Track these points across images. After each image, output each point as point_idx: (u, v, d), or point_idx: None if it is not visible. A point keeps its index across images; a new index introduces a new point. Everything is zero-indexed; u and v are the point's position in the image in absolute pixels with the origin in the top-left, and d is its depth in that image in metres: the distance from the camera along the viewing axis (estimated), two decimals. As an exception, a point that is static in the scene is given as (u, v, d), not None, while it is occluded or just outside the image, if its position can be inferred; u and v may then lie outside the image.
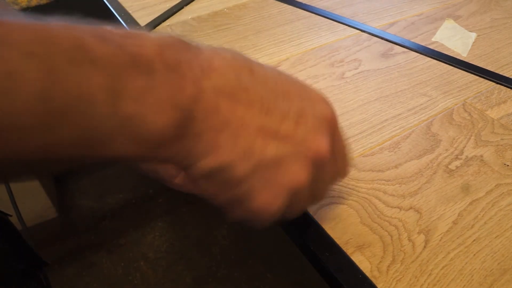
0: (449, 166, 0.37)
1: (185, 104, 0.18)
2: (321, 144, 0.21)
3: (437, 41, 0.56)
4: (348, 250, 0.31)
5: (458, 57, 0.52)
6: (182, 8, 0.63)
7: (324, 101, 0.23)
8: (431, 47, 0.54)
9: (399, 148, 0.39)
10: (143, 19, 0.60)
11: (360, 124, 0.42)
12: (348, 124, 0.42)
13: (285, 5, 0.64)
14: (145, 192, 1.42)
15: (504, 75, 0.49)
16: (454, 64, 0.51)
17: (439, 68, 0.50)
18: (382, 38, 0.56)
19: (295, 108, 0.21)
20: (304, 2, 0.65)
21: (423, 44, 0.55)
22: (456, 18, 0.61)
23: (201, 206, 1.34)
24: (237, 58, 0.21)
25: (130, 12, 0.62)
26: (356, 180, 0.36)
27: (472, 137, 0.40)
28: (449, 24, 0.59)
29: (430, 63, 0.51)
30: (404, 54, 0.53)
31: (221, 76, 0.19)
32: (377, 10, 0.63)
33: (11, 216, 0.46)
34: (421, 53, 0.53)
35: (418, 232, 0.32)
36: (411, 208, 0.34)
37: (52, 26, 0.15)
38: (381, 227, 0.32)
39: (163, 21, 0.60)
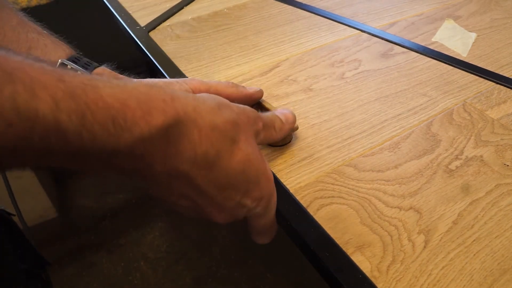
0: (449, 166, 0.37)
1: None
2: (218, 221, 0.30)
3: (437, 41, 0.56)
4: (348, 250, 0.31)
5: (458, 57, 0.52)
6: (182, 8, 0.63)
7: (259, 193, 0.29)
8: (431, 47, 0.54)
9: (399, 148, 0.39)
10: (143, 19, 0.60)
11: (360, 124, 0.42)
12: (348, 124, 0.42)
13: (285, 5, 0.64)
14: (145, 192, 1.42)
15: (504, 75, 0.49)
16: (454, 64, 0.51)
17: (439, 68, 0.50)
18: (382, 38, 0.56)
19: (231, 198, 0.28)
20: (304, 2, 0.65)
21: (423, 44, 0.55)
22: (456, 18, 0.61)
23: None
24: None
25: (130, 12, 0.62)
26: (356, 180, 0.36)
27: (472, 137, 0.40)
28: (449, 24, 0.59)
29: (430, 63, 0.51)
30: (404, 54, 0.53)
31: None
32: (377, 10, 0.63)
33: (14, 215, 0.46)
34: (421, 53, 0.53)
35: (418, 232, 0.32)
36: (411, 208, 0.34)
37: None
38: (381, 227, 0.32)
39: (163, 21, 0.60)
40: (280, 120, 0.35)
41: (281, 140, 0.39)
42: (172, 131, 0.24)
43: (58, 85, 0.19)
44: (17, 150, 0.19)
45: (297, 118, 0.43)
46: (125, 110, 0.21)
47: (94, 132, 0.20)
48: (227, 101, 0.29)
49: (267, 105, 0.43)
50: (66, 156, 0.21)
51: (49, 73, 0.19)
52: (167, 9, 0.62)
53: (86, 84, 0.20)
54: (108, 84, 0.22)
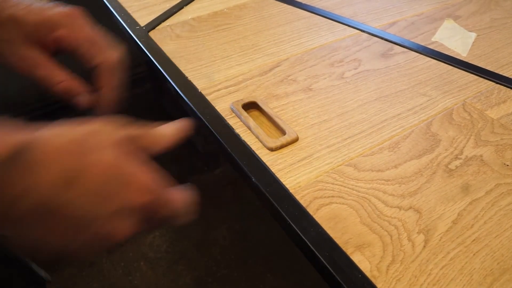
0: (449, 166, 0.37)
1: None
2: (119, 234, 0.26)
3: (437, 41, 0.56)
4: (348, 250, 0.31)
5: (458, 57, 0.52)
6: (182, 8, 0.63)
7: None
8: (431, 47, 0.54)
9: (399, 148, 0.39)
10: (143, 19, 0.60)
11: (359, 124, 0.42)
12: (347, 124, 0.42)
13: (285, 5, 0.64)
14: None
15: (504, 75, 0.49)
16: (454, 64, 0.51)
17: (439, 68, 0.50)
18: (382, 38, 0.56)
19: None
20: (304, 2, 0.65)
21: (423, 44, 0.55)
22: (456, 18, 0.61)
23: (201, 207, 1.34)
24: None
25: (130, 12, 0.62)
26: (356, 180, 0.36)
27: (472, 137, 0.40)
28: (449, 24, 0.59)
29: (430, 63, 0.51)
30: (404, 54, 0.53)
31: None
32: (377, 10, 0.63)
33: None
34: (421, 53, 0.53)
35: (417, 232, 0.32)
36: (410, 208, 0.34)
37: None
38: (381, 227, 0.32)
39: (163, 21, 0.60)
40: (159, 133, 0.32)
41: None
42: (19, 157, 0.24)
43: None
44: None
45: (297, 118, 0.43)
46: None
47: None
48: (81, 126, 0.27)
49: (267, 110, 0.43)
50: None
51: None
52: (167, 9, 0.62)
53: None
54: None
